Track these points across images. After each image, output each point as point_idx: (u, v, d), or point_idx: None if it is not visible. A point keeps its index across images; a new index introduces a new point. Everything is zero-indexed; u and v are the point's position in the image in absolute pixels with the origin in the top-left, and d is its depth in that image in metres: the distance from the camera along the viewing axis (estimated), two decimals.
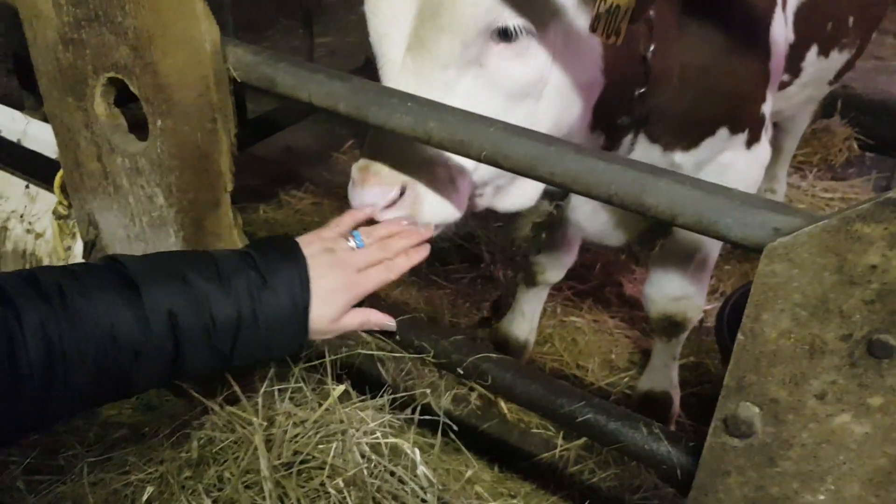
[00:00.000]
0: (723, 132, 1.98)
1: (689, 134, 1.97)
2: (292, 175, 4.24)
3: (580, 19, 1.53)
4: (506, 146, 1.19)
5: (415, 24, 1.43)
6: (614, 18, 1.46)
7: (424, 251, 1.47)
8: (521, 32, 1.45)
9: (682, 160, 2.00)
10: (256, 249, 1.29)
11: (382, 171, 1.44)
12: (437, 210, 1.49)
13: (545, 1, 1.48)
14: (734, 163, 2.09)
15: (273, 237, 1.36)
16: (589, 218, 2.28)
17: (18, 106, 2.24)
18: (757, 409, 1.12)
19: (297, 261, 1.29)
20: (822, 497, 1.13)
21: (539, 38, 1.48)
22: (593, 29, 1.47)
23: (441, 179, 1.48)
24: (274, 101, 3.92)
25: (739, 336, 1.07)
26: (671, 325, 2.55)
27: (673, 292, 2.48)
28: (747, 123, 2.05)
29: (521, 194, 1.71)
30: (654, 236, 3.43)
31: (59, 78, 1.62)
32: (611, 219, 2.29)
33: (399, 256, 1.42)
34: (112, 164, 1.65)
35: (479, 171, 1.52)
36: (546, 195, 2.00)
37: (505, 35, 1.45)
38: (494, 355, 1.45)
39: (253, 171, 4.31)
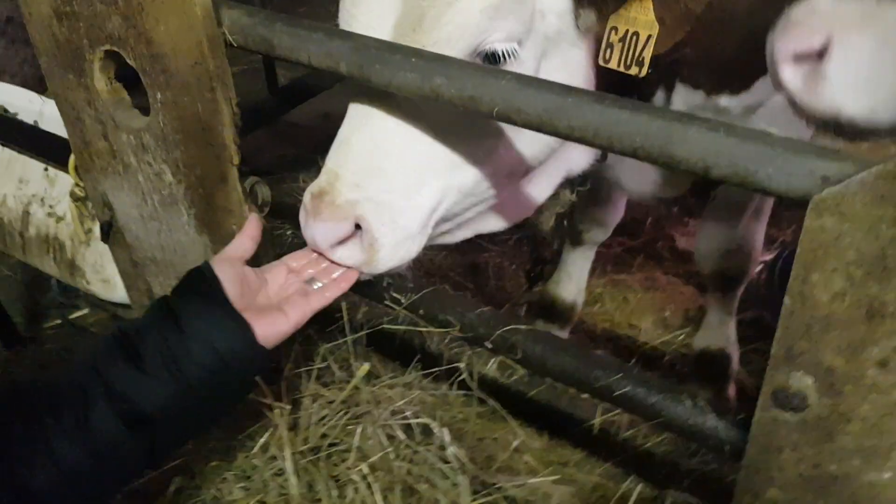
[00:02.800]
0: None
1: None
2: (331, 142, 4.15)
3: (571, 36, 1.46)
4: (519, 99, 1.07)
5: (393, 35, 1.33)
6: (632, 48, 1.35)
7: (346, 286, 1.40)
8: (509, 57, 1.35)
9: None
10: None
11: (338, 198, 1.32)
12: (392, 257, 1.36)
13: (533, 23, 1.38)
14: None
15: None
16: (632, 176, 2.14)
17: (42, 89, 2.20)
18: (810, 380, 1.00)
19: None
20: (887, 475, 1.01)
21: (524, 62, 1.38)
22: (605, 60, 1.37)
23: (401, 214, 1.35)
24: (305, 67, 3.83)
25: (786, 300, 0.95)
26: (725, 280, 2.41)
27: (725, 245, 2.34)
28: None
29: (481, 228, 1.65)
30: (708, 185, 3.26)
31: (58, 54, 1.55)
32: (657, 173, 2.14)
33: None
34: (118, 142, 1.58)
35: (443, 206, 1.42)
36: (566, 183, 1.89)
37: (493, 59, 1.35)
38: (523, 327, 1.35)
39: (291, 140, 4.24)
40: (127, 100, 1.56)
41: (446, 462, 1.52)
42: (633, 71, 1.38)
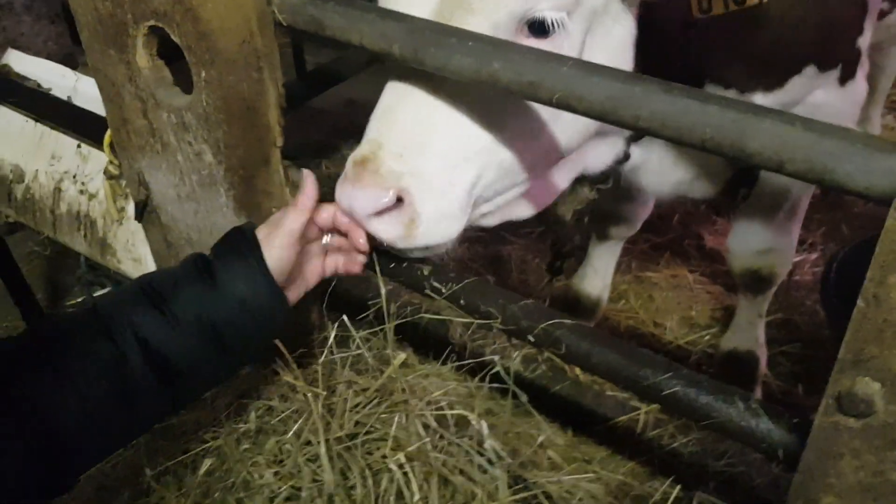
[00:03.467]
0: (810, 70, 1.78)
1: (772, 73, 1.77)
2: (355, 129, 4.12)
3: (615, 10, 1.43)
4: (581, 87, 1.04)
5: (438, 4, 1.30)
6: None
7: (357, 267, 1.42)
8: (556, 27, 1.32)
9: (764, 102, 1.80)
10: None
11: (381, 167, 1.28)
12: (431, 233, 1.33)
13: None
14: (827, 102, 1.89)
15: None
16: (658, 179, 2.11)
17: (74, 64, 2.18)
18: (878, 386, 0.97)
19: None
20: None
21: (571, 34, 1.35)
22: (702, 10, 1.33)
23: (443, 190, 1.33)
24: (333, 53, 3.81)
25: (860, 303, 0.92)
26: (756, 281, 2.38)
27: (758, 245, 2.31)
28: (840, 59, 1.84)
29: (509, 214, 1.62)
30: (736, 184, 3.22)
31: (100, 29, 1.53)
32: (685, 175, 2.11)
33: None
34: (158, 120, 1.56)
35: (481, 183, 1.39)
36: (585, 181, 1.86)
37: (540, 29, 1.32)
38: (568, 321, 1.32)
39: (315, 125, 4.22)
40: (168, 77, 1.53)
41: (482, 455, 1.49)
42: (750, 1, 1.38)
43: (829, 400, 1.01)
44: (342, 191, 1.31)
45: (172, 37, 1.41)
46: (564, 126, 1.47)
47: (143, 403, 1.19)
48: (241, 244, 1.27)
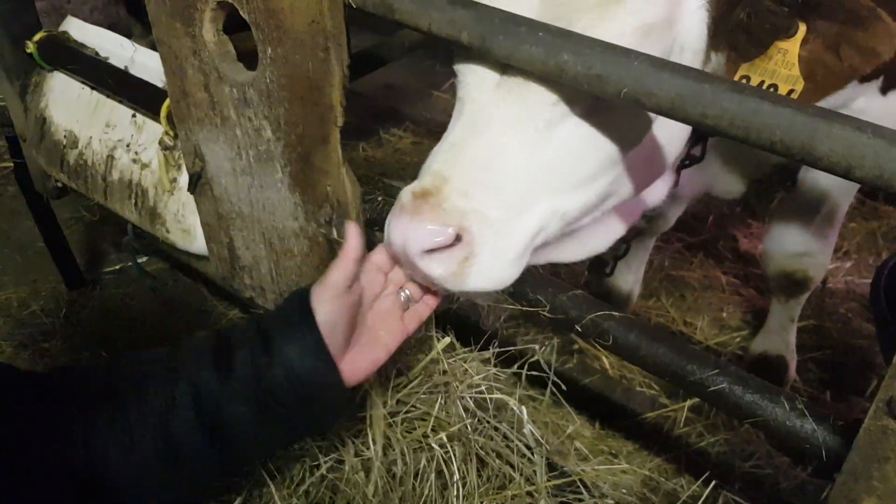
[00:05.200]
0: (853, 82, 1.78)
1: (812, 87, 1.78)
2: (392, 113, 4.15)
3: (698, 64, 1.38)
4: (650, 82, 1.05)
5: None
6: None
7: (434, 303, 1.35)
8: None
9: None
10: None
11: (444, 203, 1.20)
12: (484, 277, 1.23)
13: (671, 55, 1.30)
14: (868, 110, 1.89)
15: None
16: (690, 181, 2.12)
17: (126, 34, 2.21)
18: None
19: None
20: None
21: None
22: None
23: (506, 234, 1.25)
24: (374, 37, 3.82)
25: None
26: (791, 284, 2.39)
27: (794, 248, 2.31)
28: (882, 69, 1.84)
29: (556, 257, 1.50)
30: (772, 189, 3.22)
31: (167, 2, 1.56)
32: (710, 174, 2.12)
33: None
34: (219, 94, 1.59)
35: (545, 233, 1.31)
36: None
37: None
38: (617, 313, 1.34)
39: (353, 108, 4.23)
40: (233, 52, 1.56)
41: (521, 440, 1.52)
42: None
43: (879, 404, 1.03)
44: (396, 223, 1.21)
45: (241, 13, 1.44)
46: (647, 168, 1.43)
47: (189, 463, 1.18)
48: (295, 309, 1.23)
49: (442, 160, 1.26)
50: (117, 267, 3.07)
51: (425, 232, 1.18)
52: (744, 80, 1.27)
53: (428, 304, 1.34)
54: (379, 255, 1.31)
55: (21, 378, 1.18)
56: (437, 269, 1.20)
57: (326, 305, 1.22)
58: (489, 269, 1.24)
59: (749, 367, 2.62)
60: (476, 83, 1.30)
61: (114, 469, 1.13)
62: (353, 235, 1.27)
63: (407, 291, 1.34)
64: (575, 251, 1.57)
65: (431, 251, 1.20)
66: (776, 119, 0.97)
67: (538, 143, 1.27)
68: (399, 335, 1.31)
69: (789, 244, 2.32)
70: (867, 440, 1.06)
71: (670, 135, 1.42)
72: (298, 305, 1.23)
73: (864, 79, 1.80)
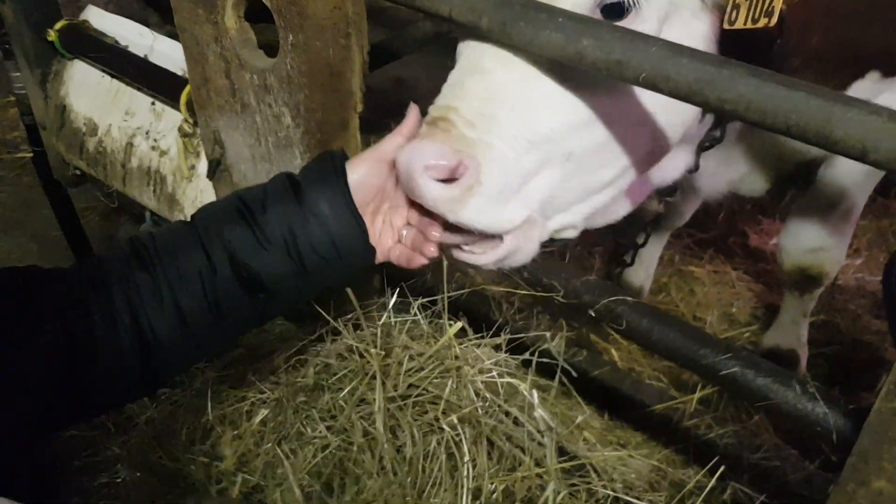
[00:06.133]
0: (874, 74, 1.79)
1: (835, 76, 1.79)
2: (403, 107, 4.16)
3: (694, 5, 1.41)
4: (668, 67, 1.07)
5: None
6: (760, 2, 1.30)
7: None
8: (632, 7, 1.33)
9: None
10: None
11: (453, 129, 1.25)
12: (483, 211, 1.26)
13: None
14: (892, 105, 1.89)
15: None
16: (712, 179, 2.13)
17: (141, 24, 2.24)
18: None
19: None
20: None
21: (647, 19, 1.35)
22: (730, 23, 1.31)
23: (508, 167, 1.29)
24: (386, 31, 3.84)
25: None
26: (805, 279, 2.40)
27: (810, 243, 2.32)
28: None
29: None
30: (785, 185, 3.22)
31: None
32: (737, 173, 2.13)
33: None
34: (240, 81, 1.61)
35: (548, 177, 1.35)
36: (655, 194, 1.87)
37: (615, 10, 1.32)
38: (630, 298, 1.36)
39: (364, 102, 4.27)
40: (254, 39, 1.58)
41: (534, 425, 1.54)
42: (763, 22, 1.29)
43: (890, 386, 1.04)
44: (408, 147, 1.25)
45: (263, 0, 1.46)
46: (647, 133, 1.45)
47: (230, 313, 1.25)
48: (327, 168, 1.28)
49: (447, 96, 1.32)
50: None
51: (431, 150, 1.22)
52: None
53: (420, 258, 1.35)
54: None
55: (51, 273, 1.22)
56: (442, 190, 1.22)
57: (364, 167, 1.29)
58: (489, 201, 1.26)
59: None
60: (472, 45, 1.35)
61: (161, 325, 1.20)
62: (412, 115, 1.34)
63: (405, 231, 1.36)
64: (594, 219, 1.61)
65: (434, 173, 1.22)
66: (792, 103, 0.99)
67: (530, 82, 1.31)
68: (384, 252, 1.35)
69: (805, 240, 2.34)
70: (878, 422, 1.07)
71: (674, 112, 1.45)
72: (331, 164, 1.28)
73: (889, 73, 1.81)
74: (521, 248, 1.34)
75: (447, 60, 1.41)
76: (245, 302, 1.25)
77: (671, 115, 1.45)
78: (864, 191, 2.18)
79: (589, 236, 3.30)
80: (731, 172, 2.14)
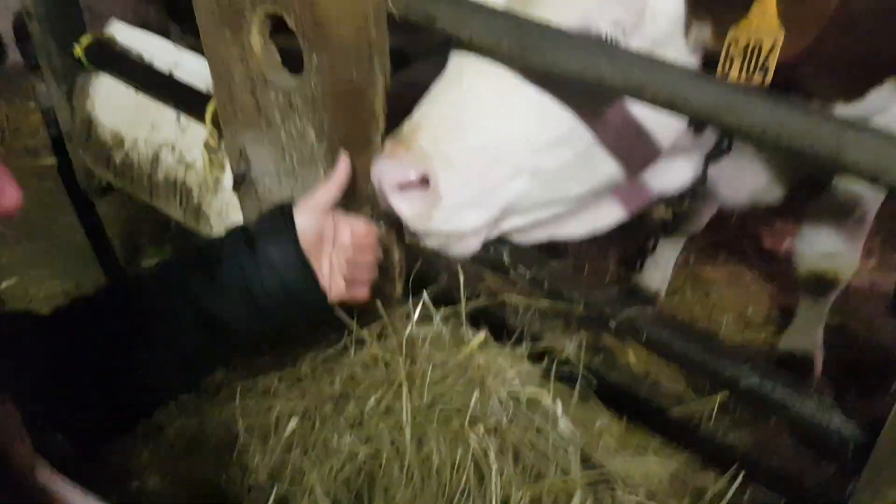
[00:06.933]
0: (890, 84, 1.81)
1: (851, 85, 1.81)
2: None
3: (679, 45, 1.46)
4: (687, 90, 1.11)
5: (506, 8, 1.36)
6: (755, 57, 1.34)
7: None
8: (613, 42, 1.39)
9: (844, 111, 1.83)
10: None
11: (413, 146, 1.36)
12: (450, 220, 1.40)
13: (643, 19, 1.41)
14: None
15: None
16: (734, 190, 2.17)
17: (159, 33, 2.29)
18: None
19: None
20: None
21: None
22: (724, 73, 1.35)
23: (470, 179, 1.38)
24: (399, 36, 3.88)
25: None
26: (820, 283, 2.43)
27: (825, 248, 2.35)
28: None
29: (557, 233, 1.67)
30: (800, 190, 3.24)
31: (217, 11, 1.62)
32: (757, 183, 2.16)
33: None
34: (265, 99, 1.65)
35: (516, 187, 1.43)
36: (661, 200, 1.91)
37: None
38: (650, 309, 1.39)
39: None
40: (278, 59, 1.62)
41: (558, 434, 1.57)
42: (758, 79, 1.36)
43: None
44: (375, 163, 1.39)
45: (288, 23, 1.50)
46: (620, 146, 1.49)
47: (195, 354, 1.40)
48: (278, 219, 1.43)
49: (419, 111, 1.43)
50: (154, 261, 3.15)
51: (393, 170, 1.36)
52: (733, 44, 1.35)
53: (361, 293, 1.56)
54: (358, 223, 1.53)
55: (42, 320, 1.34)
56: (407, 208, 1.38)
57: (305, 215, 1.44)
58: (455, 211, 1.38)
59: (776, 364, 2.66)
60: (457, 55, 1.44)
61: (131, 372, 1.33)
62: (342, 166, 1.52)
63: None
64: (573, 228, 1.72)
65: (404, 190, 1.36)
66: (807, 127, 1.02)
67: (504, 98, 1.39)
68: (340, 294, 1.51)
69: (820, 245, 2.36)
70: (891, 435, 1.11)
71: (661, 121, 1.49)
72: (281, 215, 1.43)
73: None
74: (465, 242, 1.49)
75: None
76: (209, 342, 1.40)
77: (661, 132, 1.50)
78: (878, 197, 2.20)
79: (605, 238, 3.34)
80: (753, 182, 2.17)
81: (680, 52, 1.48)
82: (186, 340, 1.37)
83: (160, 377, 1.38)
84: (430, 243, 1.48)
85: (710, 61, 1.49)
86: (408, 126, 1.40)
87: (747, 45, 1.35)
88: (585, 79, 1.20)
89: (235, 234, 1.44)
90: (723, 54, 1.36)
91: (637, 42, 1.42)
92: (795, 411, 1.22)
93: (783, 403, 1.24)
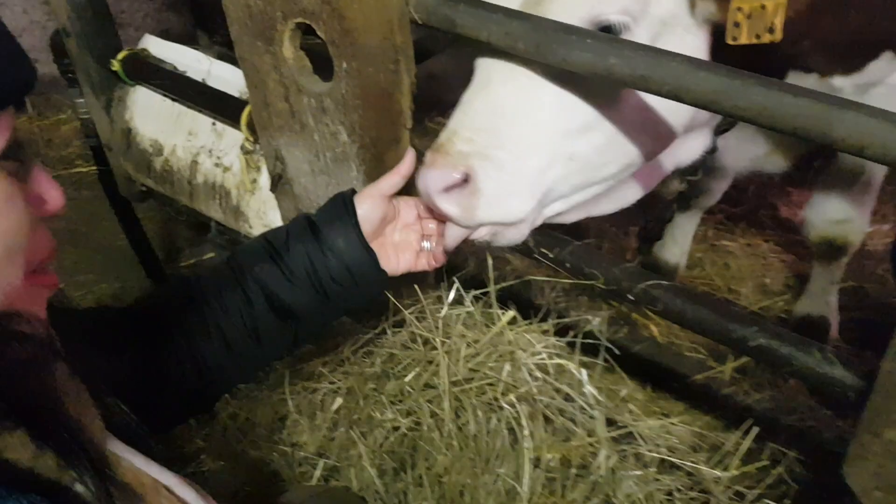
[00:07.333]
0: (887, 55, 1.90)
1: (850, 59, 1.90)
2: (436, 102, 4.32)
3: (686, 22, 1.53)
4: (689, 80, 1.22)
5: (521, 4, 1.47)
6: (761, 19, 1.41)
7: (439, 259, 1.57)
8: (622, 30, 1.47)
9: (843, 84, 1.93)
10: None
11: (451, 150, 1.45)
12: (492, 209, 1.48)
13: (648, 4, 1.48)
14: None
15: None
16: (736, 157, 2.27)
17: (183, 41, 2.42)
18: None
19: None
20: None
21: (638, 39, 1.47)
22: (733, 39, 1.43)
23: (507, 169, 1.47)
24: (419, 30, 3.98)
25: None
26: (831, 250, 2.52)
27: (834, 215, 2.45)
28: None
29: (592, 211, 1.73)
30: (811, 158, 3.33)
31: (250, 24, 1.75)
32: (760, 151, 2.26)
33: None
34: (299, 104, 1.78)
35: (552, 173, 1.52)
36: (676, 173, 2.00)
37: (609, 32, 1.45)
38: (665, 282, 1.51)
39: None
40: (309, 67, 1.75)
41: (584, 400, 1.70)
42: (767, 38, 1.41)
43: (895, 347, 1.19)
44: (419, 175, 1.49)
45: (318, 32, 1.62)
46: (642, 128, 1.59)
47: (267, 339, 1.46)
48: (339, 208, 1.49)
49: (454, 119, 1.52)
50: (192, 261, 3.30)
51: (435, 176, 1.44)
52: (738, 11, 1.41)
53: (437, 259, 1.58)
54: (418, 200, 1.58)
55: (121, 312, 1.44)
56: (450, 206, 1.45)
57: (367, 202, 1.50)
58: (496, 201, 1.47)
59: (794, 328, 2.75)
60: (484, 61, 1.54)
61: (210, 352, 1.41)
62: (408, 158, 1.57)
63: (427, 244, 1.59)
64: (604, 206, 1.80)
65: (447, 191, 1.44)
66: (797, 108, 1.13)
67: (531, 94, 1.48)
68: (408, 264, 1.57)
69: (830, 212, 2.46)
70: (887, 381, 1.22)
71: (671, 111, 1.59)
72: (342, 202, 1.49)
73: None
74: (515, 230, 1.56)
75: (477, 56, 1.58)
76: (279, 328, 1.46)
77: (669, 114, 1.59)
78: (881, 166, 2.29)
79: (623, 217, 3.44)
80: (753, 150, 2.27)
81: (689, 29, 1.55)
82: (260, 325, 1.44)
83: (235, 362, 1.45)
84: (481, 236, 1.56)
85: (719, 32, 1.54)
86: (444, 135, 1.49)
87: (752, 11, 1.44)
88: (596, 73, 1.32)
89: (299, 222, 1.50)
90: (729, 23, 1.43)
91: (646, 26, 1.50)
92: (799, 364, 1.34)
93: (788, 359, 1.35)
